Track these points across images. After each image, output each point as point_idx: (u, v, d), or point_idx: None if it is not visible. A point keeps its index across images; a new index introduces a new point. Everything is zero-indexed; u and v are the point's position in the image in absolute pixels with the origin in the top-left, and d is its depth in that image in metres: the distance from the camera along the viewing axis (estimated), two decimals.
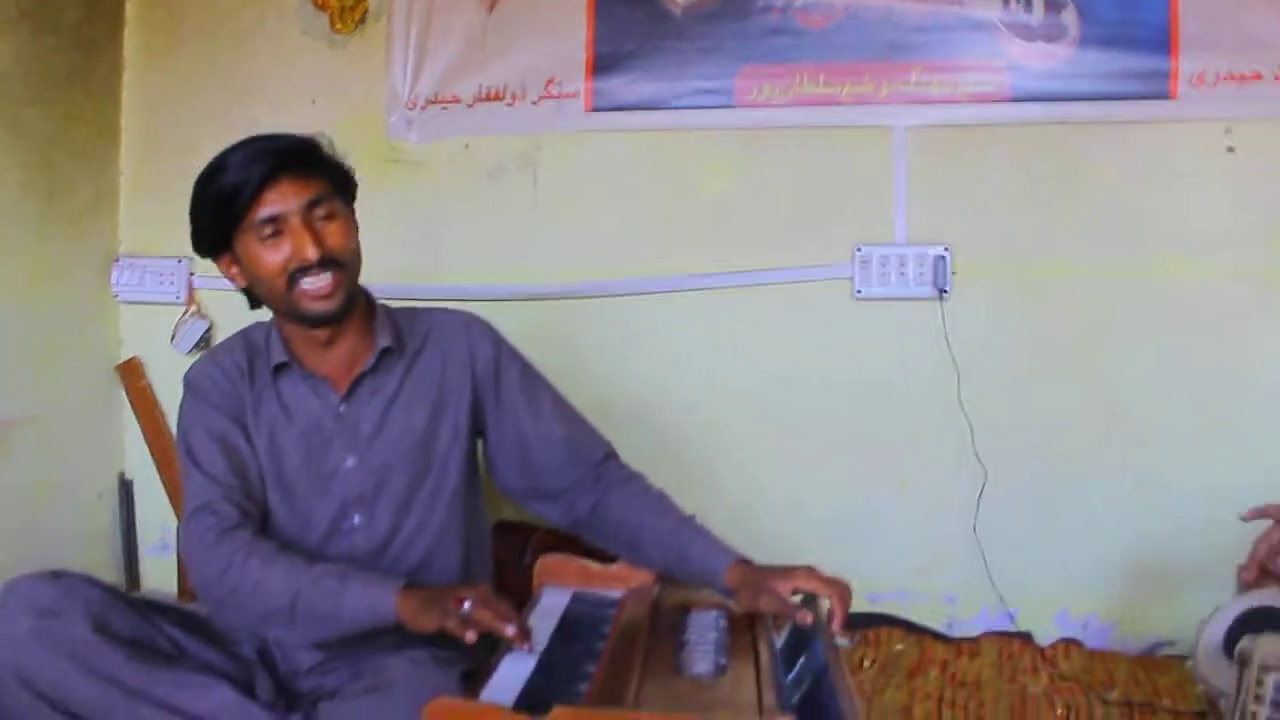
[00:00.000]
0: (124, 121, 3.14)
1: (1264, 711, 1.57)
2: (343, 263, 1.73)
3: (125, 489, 3.14)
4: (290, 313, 1.75)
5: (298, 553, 1.67)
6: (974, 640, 2.64)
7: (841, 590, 1.63)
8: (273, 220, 1.69)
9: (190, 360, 3.02)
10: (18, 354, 2.83)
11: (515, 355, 1.94)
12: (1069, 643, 2.61)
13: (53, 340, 2.94)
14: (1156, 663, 2.51)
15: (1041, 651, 2.56)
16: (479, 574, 1.93)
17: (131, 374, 3.12)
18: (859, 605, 2.62)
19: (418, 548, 1.82)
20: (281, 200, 1.69)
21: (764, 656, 1.55)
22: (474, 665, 1.62)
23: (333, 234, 1.72)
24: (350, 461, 1.79)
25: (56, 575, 1.61)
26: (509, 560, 2.70)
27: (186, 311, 3.08)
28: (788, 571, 1.67)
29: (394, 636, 1.62)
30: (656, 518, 1.83)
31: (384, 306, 1.89)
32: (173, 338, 3.08)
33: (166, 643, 1.66)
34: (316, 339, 1.79)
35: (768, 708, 1.36)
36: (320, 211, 1.72)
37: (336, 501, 1.79)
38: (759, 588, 1.66)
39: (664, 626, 1.71)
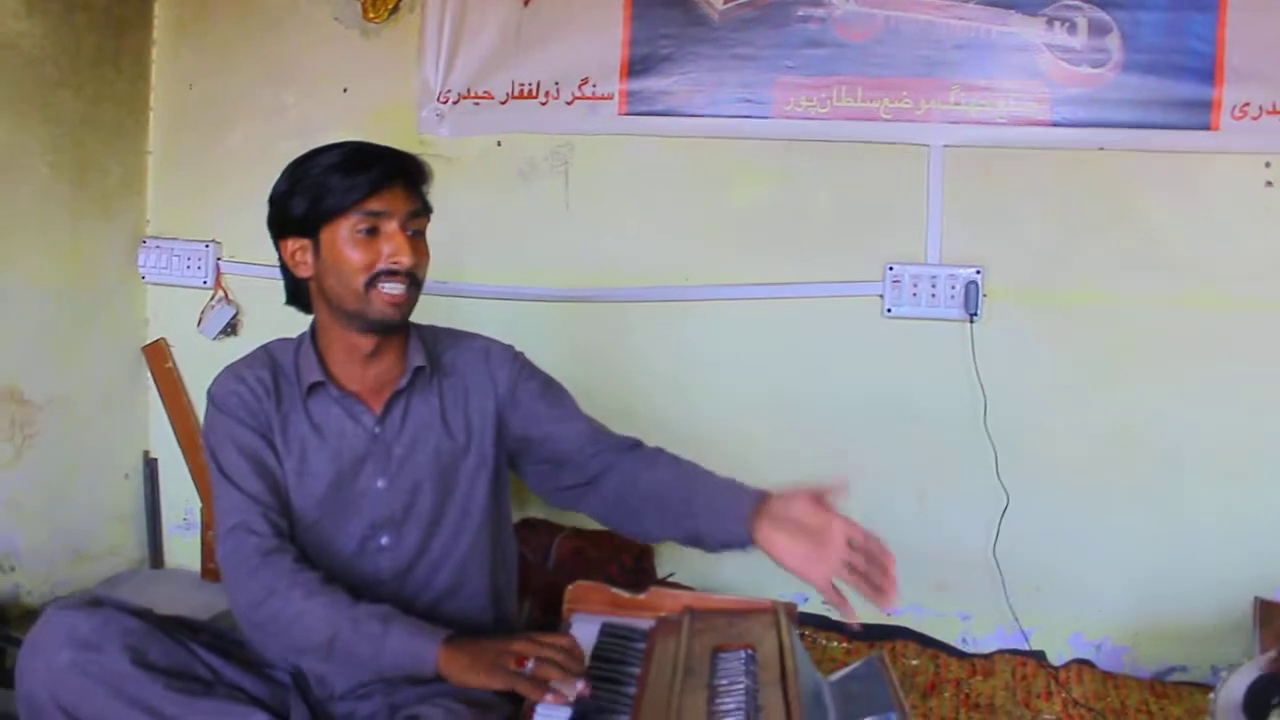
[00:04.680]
0: (153, 101, 3.13)
1: None
2: (419, 281, 1.76)
3: (150, 468, 3.17)
4: (354, 313, 1.74)
5: (341, 587, 1.65)
6: (988, 658, 2.67)
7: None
8: (375, 218, 1.70)
9: (217, 346, 3.07)
10: (46, 335, 2.86)
11: (534, 369, 1.94)
12: (1082, 664, 2.64)
13: (80, 321, 2.96)
14: (1168, 689, 2.54)
15: (1055, 673, 2.59)
16: (506, 599, 1.94)
17: (157, 355, 3.13)
18: (876, 617, 2.69)
19: (445, 571, 1.82)
20: (389, 204, 1.70)
21: (794, 709, 1.56)
22: (507, 715, 1.63)
23: (420, 251, 1.76)
24: (381, 483, 1.80)
25: (94, 604, 1.62)
26: (534, 560, 2.71)
27: (214, 296, 3.07)
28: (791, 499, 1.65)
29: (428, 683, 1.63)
30: (685, 477, 1.81)
31: (414, 324, 1.87)
32: (199, 322, 3.09)
33: (203, 669, 1.67)
34: (358, 350, 1.78)
35: None
36: (417, 225, 1.75)
37: (365, 522, 1.79)
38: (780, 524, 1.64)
39: (693, 668, 1.72)
